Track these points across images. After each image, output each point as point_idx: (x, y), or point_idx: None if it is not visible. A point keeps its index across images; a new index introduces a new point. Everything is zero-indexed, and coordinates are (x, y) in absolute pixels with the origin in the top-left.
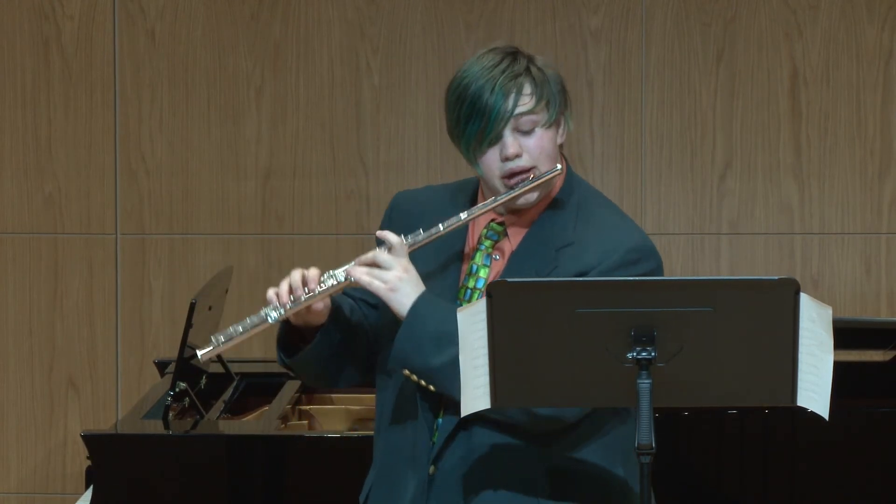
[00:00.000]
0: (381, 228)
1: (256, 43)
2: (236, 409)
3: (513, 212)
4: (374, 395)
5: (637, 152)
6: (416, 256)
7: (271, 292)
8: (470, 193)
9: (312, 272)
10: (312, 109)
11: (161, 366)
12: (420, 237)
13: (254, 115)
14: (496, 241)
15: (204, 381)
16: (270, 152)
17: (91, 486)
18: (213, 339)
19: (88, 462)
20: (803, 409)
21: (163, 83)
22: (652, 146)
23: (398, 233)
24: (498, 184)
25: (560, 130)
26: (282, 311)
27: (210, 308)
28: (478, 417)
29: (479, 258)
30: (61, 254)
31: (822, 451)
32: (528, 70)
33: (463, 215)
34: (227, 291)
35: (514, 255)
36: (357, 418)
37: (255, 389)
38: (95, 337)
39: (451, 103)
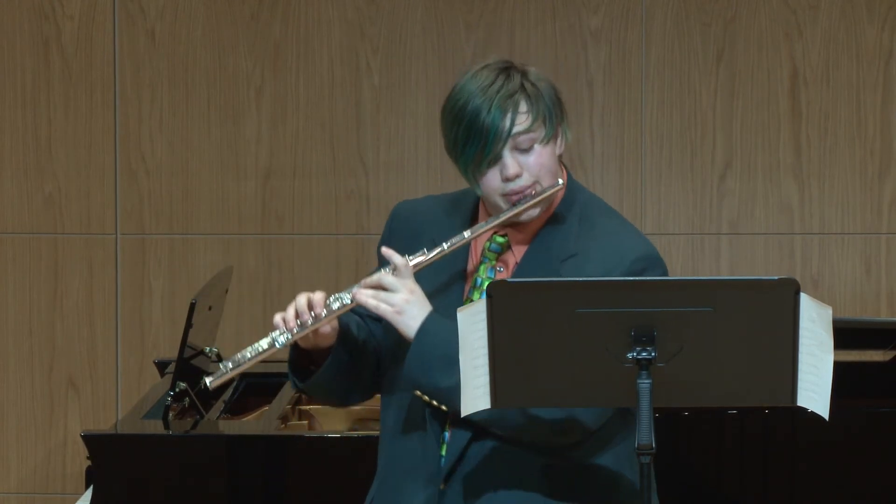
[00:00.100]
0: (382, 239)
1: (256, 43)
2: (236, 409)
3: (514, 225)
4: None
5: (637, 152)
6: (419, 274)
7: (278, 317)
8: (471, 204)
9: (318, 296)
10: (312, 109)
11: (161, 366)
12: (425, 257)
13: (254, 115)
14: (500, 254)
15: (204, 381)
16: (270, 152)
17: (91, 486)
18: (222, 366)
19: (88, 462)
20: (803, 409)
21: (163, 83)
22: (652, 146)
23: (399, 244)
24: (499, 200)
25: (559, 142)
26: (289, 336)
27: (210, 308)
28: (490, 433)
29: (483, 271)
30: (61, 254)
31: (822, 451)
32: (522, 87)
33: (466, 234)
34: (227, 291)
35: (518, 267)
36: (357, 418)
37: (255, 389)
38: (95, 337)
39: (447, 124)
